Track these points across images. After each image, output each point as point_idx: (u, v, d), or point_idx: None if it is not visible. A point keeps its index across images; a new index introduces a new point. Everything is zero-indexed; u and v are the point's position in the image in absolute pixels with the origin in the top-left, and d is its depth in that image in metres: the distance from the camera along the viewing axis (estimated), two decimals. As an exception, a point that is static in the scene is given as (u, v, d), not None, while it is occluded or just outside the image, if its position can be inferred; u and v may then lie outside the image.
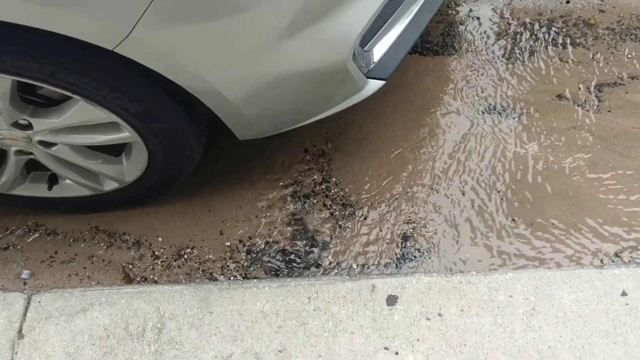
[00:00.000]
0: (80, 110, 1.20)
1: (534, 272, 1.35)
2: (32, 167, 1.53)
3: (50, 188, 1.54)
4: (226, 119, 1.26)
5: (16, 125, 1.27)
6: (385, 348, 1.29)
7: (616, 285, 1.30)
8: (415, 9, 1.38)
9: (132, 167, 1.43)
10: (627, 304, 1.27)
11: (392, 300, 1.34)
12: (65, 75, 1.08)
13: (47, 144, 1.35)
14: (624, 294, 1.29)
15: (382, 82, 1.36)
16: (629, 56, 1.63)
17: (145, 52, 1.03)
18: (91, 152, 1.41)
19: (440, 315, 1.31)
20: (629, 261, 1.38)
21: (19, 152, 1.39)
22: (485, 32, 1.72)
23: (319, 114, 1.34)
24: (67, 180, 1.53)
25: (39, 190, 1.55)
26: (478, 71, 1.66)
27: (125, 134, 1.28)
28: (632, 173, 1.49)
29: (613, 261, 1.38)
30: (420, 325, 1.30)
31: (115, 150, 1.45)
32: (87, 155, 1.40)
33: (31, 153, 1.39)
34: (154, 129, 1.25)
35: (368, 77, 1.33)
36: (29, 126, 1.28)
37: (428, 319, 1.31)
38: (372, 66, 1.32)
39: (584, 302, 1.29)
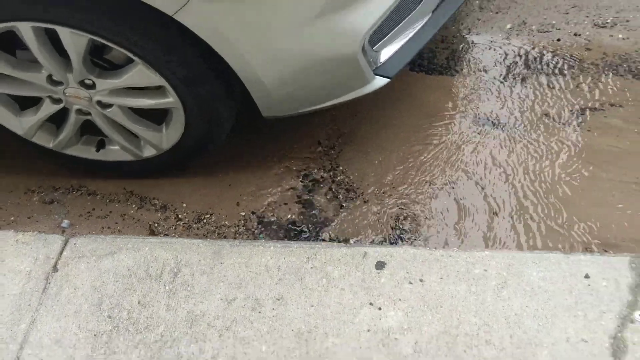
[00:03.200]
0: (137, 73, 1.45)
1: (509, 252, 1.52)
2: (85, 132, 1.80)
3: (98, 150, 1.79)
4: (255, 94, 1.50)
5: (82, 84, 1.53)
6: (370, 304, 1.45)
7: (581, 268, 1.46)
8: (421, 23, 1.63)
9: (170, 135, 1.67)
10: (589, 285, 1.43)
11: (380, 265, 1.52)
12: (131, 35, 1.34)
13: (104, 106, 1.60)
14: (587, 276, 1.44)
15: (387, 80, 1.59)
16: (610, 87, 1.84)
17: (197, 22, 1.29)
18: (138, 118, 1.67)
19: (421, 280, 1.48)
20: (595, 251, 1.55)
21: (79, 112, 1.64)
22: (484, 58, 1.97)
23: (333, 99, 1.57)
24: (112, 146, 1.79)
25: (88, 152, 1.81)
26: (476, 90, 1.89)
27: (169, 99, 1.52)
28: (605, 182, 1.67)
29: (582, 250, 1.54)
30: (403, 287, 1.47)
31: (157, 121, 1.70)
32: (135, 120, 1.66)
33: (89, 114, 1.65)
34: (194, 94, 1.50)
35: (375, 74, 1.57)
36: (92, 86, 1.54)
37: (410, 283, 1.48)
38: (379, 64, 1.57)
39: (550, 280, 1.45)
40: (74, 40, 1.37)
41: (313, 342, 1.41)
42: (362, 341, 1.40)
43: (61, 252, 1.66)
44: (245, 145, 1.89)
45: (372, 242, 1.64)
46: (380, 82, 1.59)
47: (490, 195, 1.69)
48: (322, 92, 1.56)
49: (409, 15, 1.58)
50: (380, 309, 1.44)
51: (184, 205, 1.78)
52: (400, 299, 1.46)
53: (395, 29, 1.57)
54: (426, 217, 1.66)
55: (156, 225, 1.75)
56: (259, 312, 1.48)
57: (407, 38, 1.62)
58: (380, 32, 1.53)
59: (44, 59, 1.44)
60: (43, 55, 1.43)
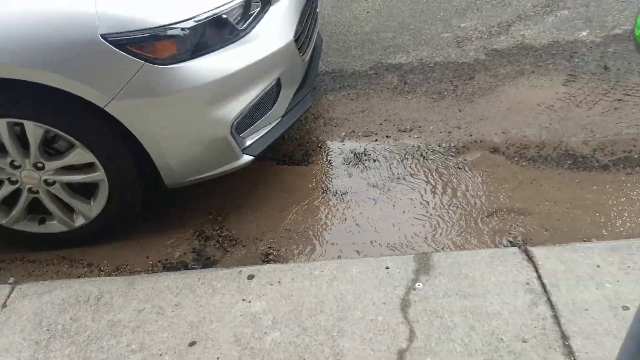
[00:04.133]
0: (76, 154, 2.14)
1: (338, 260, 2.20)
2: (30, 211, 2.39)
3: (40, 223, 2.38)
4: (160, 166, 2.21)
5: (35, 167, 2.19)
6: (243, 299, 2.05)
7: (384, 264, 2.15)
8: (274, 124, 2.46)
9: (96, 205, 2.31)
10: (388, 272, 2.10)
11: (251, 277, 2.14)
12: (73, 124, 2.05)
13: (49, 184, 2.24)
14: (387, 268, 2.12)
15: (252, 158, 2.36)
16: (410, 167, 2.71)
17: (120, 113, 2.03)
18: (74, 193, 2.30)
19: (279, 282, 2.11)
20: (393, 253, 2.25)
21: (29, 190, 2.27)
22: (328, 154, 2.80)
23: (215, 170, 2.30)
24: (51, 221, 2.38)
25: (32, 227, 2.39)
26: (322, 174, 2.69)
27: (98, 172, 2.20)
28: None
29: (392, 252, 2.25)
30: (266, 288, 2.09)
31: (86, 196, 2.34)
32: (71, 194, 2.29)
33: (37, 192, 2.27)
34: (115, 168, 2.18)
35: (244, 152, 2.33)
36: (42, 168, 2.19)
37: (271, 284, 2.10)
38: (246, 146, 2.34)
39: (364, 273, 2.12)
40: (35, 131, 2.07)
41: (202, 327, 1.97)
42: (237, 322, 1.98)
43: (9, 295, 2.17)
44: (155, 216, 2.55)
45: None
46: (246, 158, 2.35)
47: (327, 235, 2.40)
48: (207, 165, 2.29)
49: (264, 116, 2.41)
50: (250, 302, 2.04)
51: (105, 262, 2.36)
52: (264, 295, 2.07)
53: (255, 124, 2.38)
54: (285, 250, 2.33)
55: (83, 276, 2.30)
56: (162, 314, 2.03)
57: (265, 132, 2.43)
58: (244, 125, 2.32)
59: (10, 147, 2.11)
60: (10, 143, 2.10)
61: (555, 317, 1.95)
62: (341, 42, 3.58)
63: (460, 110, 3.02)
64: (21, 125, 2.08)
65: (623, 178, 2.57)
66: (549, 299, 2.01)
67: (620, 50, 3.36)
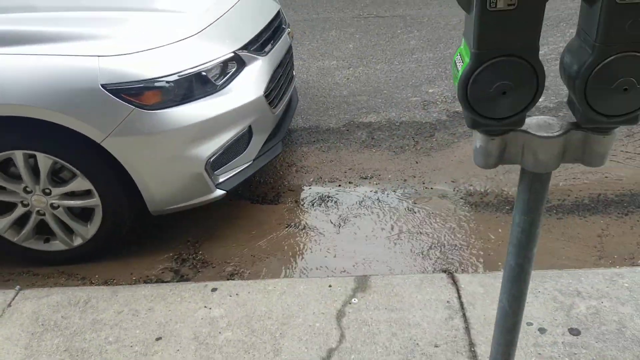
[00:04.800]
0: (77, 182, 2.59)
1: (290, 279, 2.56)
2: (37, 232, 2.82)
3: (45, 242, 2.80)
4: (145, 195, 2.64)
5: (43, 192, 2.64)
6: (205, 306, 2.42)
7: (328, 282, 2.51)
8: (246, 165, 2.89)
9: (92, 227, 2.74)
10: (331, 289, 2.46)
11: (214, 289, 2.52)
12: (76, 156, 2.52)
13: (54, 207, 2.68)
14: (330, 286, 2.48)
15: (224, 192, 2.79)
16: (366, 200, 3.10)
17: (114, 148, 2.49)
18: (74, 216, 2.74)
19: (237, 294, 2.48)
20: (338, 274, 2.60)
21: (38, 212, 2.71)
22: (297, 195, 3.22)
23: (193, 200, 2.72)
24: (54, 240, 2.81)
25: (38, 244, 2.81)
26: (291, 211, 3.10)
27: (94, 199, 2.64)
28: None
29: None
30: (225, 298, 2.46)
31: (84, 220, 2.77)
32: (72, 217, 2.73)
33: (44, 214, 2.71)
34: (108, 195, 2.62)
35: (217, 187, 2.76)
36: (49, 193, 2.64)
37: (230, 296, 2.47)
38: (219, 182, 2.77)
39: (310, 289, 2.48)
40: (44, 161, 2.53)
41: (168, 326, 2.34)
42: (198, 323, 2.34)
43: (14, 298, 2.57)
44: (140, 241, 2.96)
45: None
46: (219, 192, 2.78)
47: (284, 260, 2.78)
48: (184, 196, 2.72)
49: (237, 157, 2.85)
50: (210, 308, 2.41)
51: (97, 276, 2.77)
52: (223, 303, 2.44)
53: (228, 164, 2.82)
54: (248, 272, 2.71)
55: (77, 286, 2.70)
56: (137, 316, 2.41)
57: (237, 171, 2.87)
58: (218, 163, 2.77)
59: (24, 174, 2.58)
60: (25, 171, 2.57)
61: (467, 329, 2.28)
62: (321, 103, 4.09)
63: (417, 162, 3.44)
64: (34, 156, 2.55)
65: (553, 222, 2.93)
66: (464, 314, 2.35)
67: (570, 115, 3.78)
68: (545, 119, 1.32)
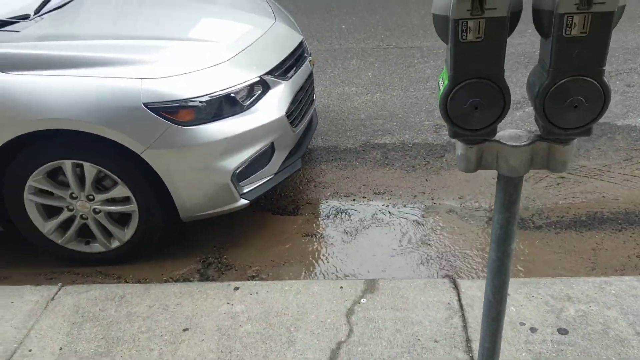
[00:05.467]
0: (118, 189, 2.90)
1: (300, 280, 2.81)
2: (79, 235, 3.13)
3: (86, 244, 3.11)
4: (177, 202, 2.94)
5: (87, 198, 2.95)
6: (228, 303, 2.68)
7: (339, 284, 2.75)
8: (268, 178, 3.18)
9: (129, 231, 3.04)
10: (342, 290, 2.70)
11: (236, 288, 2.78)
12: (118, 166, 2.83)
13: (96, 212, 2.99)
14: (341, 287, 2.72)
15: (247, 202, 3.07)
16: (378, 211, 3.35)
17: (152, 159, 2.80)
18: (113, 221, 3.04)
19: (257, 293, 2.73)
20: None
21: (81, 217, 3.02)
22: (313, 208, 3.48)
23: (218, 208, 3.01)
24: (94, 243, 3.11)
25: (80, 246, 3.12)
26: (307, 223, 3.36)
27: (132, 205, 2.94)
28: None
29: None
30: (247, 296, 2.72)
31: (121, 224, 3.07)
32: (112, 222, 3.03)
33: (87, 218, 3.02)
34: (144, 202, 2.92)
35: (241, 197, 3.05)
36: (92, 199, 2.96)
37: (251, 294, 2.73)
38: (244, 192, 3.06)
39: (319, 290, 2.72)
40: (90, 170, 2.85)
41: (194, 319, 2.61)
42: (221, 317, 2.60)
43: (57, 292, 2.87)
44: (171, 245, 3.25)
45: (237, 287, 2.93)
46: (243, 202, 3.06)
47: (301, 264, 3.03)
48: (212, 204, 3.01)
49: (260, 171, 3.14)
50: (232, 305, 2.67)
51: (131, 276, 3.06)
52: (244, 300, 2.70)
53: (252, 176, 3.10)
54: (268, 274, 2.98)
55: (116, 282, 2.99)
56: (166, 310, 2.68)
57: (260, 183, 3.15)
58: (243, 175, 3.05)
59: (72, 182, 2.90)
60: (72, 179, 2.89)
61: (465, 327, 2.50)
62: (340, 125, 4.38)
63: (427, 180, 3.69)
64: (81, 166, 2.87)
65: (552, 236, 3.14)
66: (462, 315, 2.57)
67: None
68: (515, 131, 1.58)
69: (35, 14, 3.23)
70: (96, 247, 3.13)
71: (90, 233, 3.11)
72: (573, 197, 3.45)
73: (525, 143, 1.53)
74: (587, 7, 1.27)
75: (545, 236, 3.16)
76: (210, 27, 3.42)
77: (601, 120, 4.14)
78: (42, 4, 3.34)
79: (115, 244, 3.11)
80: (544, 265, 2.90)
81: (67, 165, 2.87)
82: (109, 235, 3.10)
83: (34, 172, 2.88)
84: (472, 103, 1.41)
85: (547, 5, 1.33)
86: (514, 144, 1.53)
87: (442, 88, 1.45)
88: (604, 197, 3.39)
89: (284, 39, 3.56)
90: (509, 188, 1.62)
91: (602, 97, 1.37)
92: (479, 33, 1.33)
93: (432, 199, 3.52)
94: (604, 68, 1.35)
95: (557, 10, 1.29)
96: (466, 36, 1.33)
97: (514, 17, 1.38)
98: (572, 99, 1.38)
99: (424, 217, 3.37)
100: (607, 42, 1.32)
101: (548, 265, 2.90)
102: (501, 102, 1.43)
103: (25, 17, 3.15)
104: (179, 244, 3.29)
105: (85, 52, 2.84)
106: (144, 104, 2.70)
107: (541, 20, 1.37)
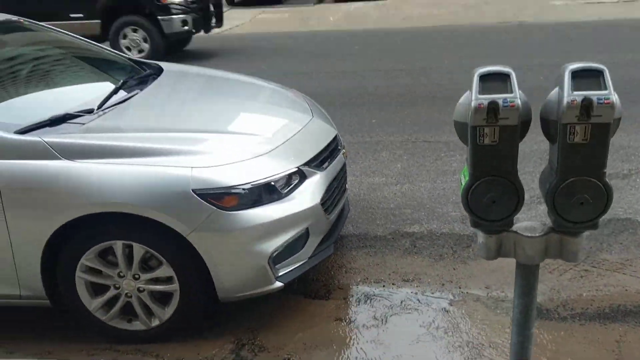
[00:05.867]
0: (163, 269, 3.11)
1: None
2: (122, 313, 3.31)
3: (128, 322, 3.28)
4: (217, 284, 3.12)
5: (133, 277, 3.16)
6: None
7: None
8: (301, 262, 3.35)
9: (169, 310, 3.21)
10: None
11: None
12: (163, 247, 3.05)
13: (140, 291, 3.19)
14: None
15: (282, 284, 3.23)
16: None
17: (195, 240, 3.02)
18: (155, 299, 3.22)
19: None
20: None
21: (126, 295, 3.21)
22: (347, 292, 3.62)
23: (254, 290, 3.17)
24: (135, 321, 3.28)
25: (122, 324, 3.29)
26: (339, 308, 3.49)
27: (174, 284, 3.13)
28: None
29: None
30: None
31: (162, 303, 3.25)
32: (154, 300, 3.21)
33: (131, 297, 3.21)
34: (187, 282, 3.11)
35: (277, 279, 3.22)
36: (138, 278, 3.16)
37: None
38: (279, 275, 3.23)
39: None
40: (138, 250, 3.08)
41: None
42: None
43: None
44: (207, 325, 3.40)
45: (269, 367, 3.03)
46: (278, 284, 3.23)
47: (331, 349, 3.13)
48: (249, 285, 3.19)
49: (295, 254, 3.32)
50: None
51: (168, 354, 3.20)
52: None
53: (287, 259, 3.28)
54: (299, 357, 3.08)
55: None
56: None
57: (294, 267, 3.33)
58: (279, 259, 3.24)
59: (121, 261, 3.12)
60: (121, 259, 3.12)
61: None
62: (370, 214, 4.58)
63: (454, 269, 3.82)
64: (130, 246, 3.11)
65: (576, 327, 3.20)
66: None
67: (595, 234, 4.11)
68: (531, 223, 1.76)
69: (98, 108, 3.61)
70: (137, 325, 3.30)
71: (132, 311, 3.29)
72: (597, 290, 3.52)
73: (539, 234, 1.70)
74: (586, 118, 1.48)
75: (570, 327, 3.21)
76: (252, 121, 3.78)
77: (623, 216, 4.27)
78: (104, 99, 3.73)
79: (155, 322, 3.27)
80: (568, 357, 2.95)
81: (118, 245, 3.11)
82: (150, 313, 3.28)
83: (88, 251, 3.13)
84: (490, 197, 1.61)
85: (552, 116, 1.55)
86: (530, 234, 1.71)
87: (463, 183, 1.66)
88: (626, 290, 3.46)
89: (320, 133, 3.86)
90: (527, 275, 1.77)
91: (605, 196, 1.56)
92: (494, 137, 1.55)
93: (459, 288, 3.62)
94: (605, 170, 1.54)
95: (561, 121, 1.51)
96: (483, 140, 1.55)
97: (525, 125, 1.60)
98: (578, 197, 1.57)
99: (451, 305, 3.47)
100: (606, 148, 1.53)
101: (572, 357, 2.95)
102: (515, 197, 1.62)
103: (89, 112, 3.52)
104: (214, 325, 3.44)
105: (141, 143, 3.17)
106: (192, 190, 2.97)
107: (548, 128, 1.59)
